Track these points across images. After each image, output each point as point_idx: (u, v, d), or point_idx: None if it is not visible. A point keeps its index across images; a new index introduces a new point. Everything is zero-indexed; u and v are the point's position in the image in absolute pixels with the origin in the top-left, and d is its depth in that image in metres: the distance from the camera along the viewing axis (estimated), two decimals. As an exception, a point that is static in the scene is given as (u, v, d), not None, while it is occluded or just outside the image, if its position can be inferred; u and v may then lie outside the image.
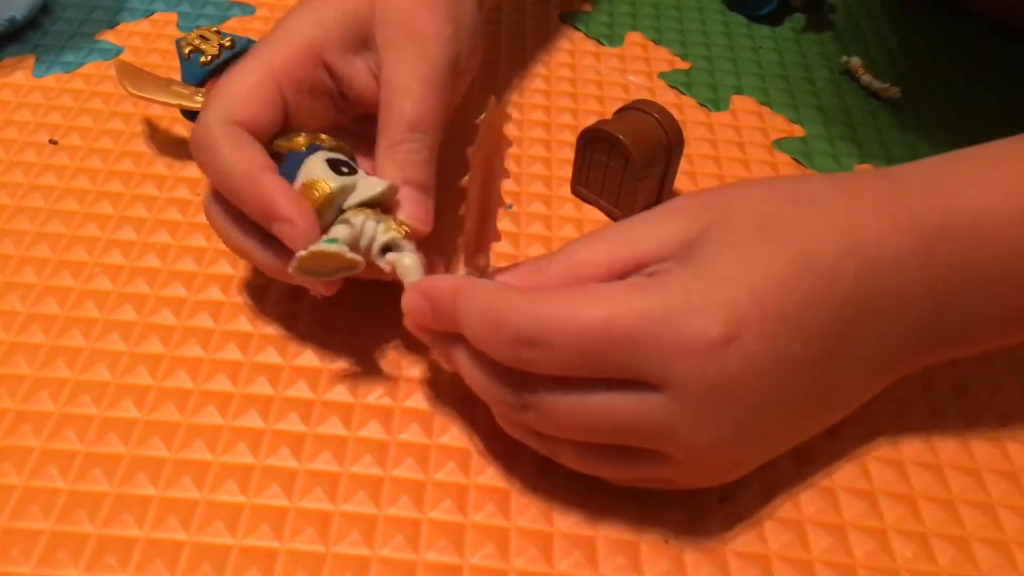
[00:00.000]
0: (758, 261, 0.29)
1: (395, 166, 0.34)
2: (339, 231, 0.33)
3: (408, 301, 0.31)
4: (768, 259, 0.29)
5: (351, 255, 0.32)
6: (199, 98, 0.43)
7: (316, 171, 0.33)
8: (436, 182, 0.36)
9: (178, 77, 0.46)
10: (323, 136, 0.36)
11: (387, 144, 0.35)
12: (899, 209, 0.30)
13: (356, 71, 0.36)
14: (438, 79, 0.35)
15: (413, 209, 0.34)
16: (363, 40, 0.36)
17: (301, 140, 0.35)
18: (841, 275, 0.29)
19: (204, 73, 0.44)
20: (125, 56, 0.51)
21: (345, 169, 0.34)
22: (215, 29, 0.45)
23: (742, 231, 0.29)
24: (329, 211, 0.33)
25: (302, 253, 0.31)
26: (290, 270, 0.32)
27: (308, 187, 0.33)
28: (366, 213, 0.33)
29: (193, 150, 0.34)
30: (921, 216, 0.30)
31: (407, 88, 0.35)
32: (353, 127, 0.38)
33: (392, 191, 0.34)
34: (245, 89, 0.34)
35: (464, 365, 0.31)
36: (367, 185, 0.33)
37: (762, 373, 0.28)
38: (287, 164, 0.34)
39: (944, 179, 0.31)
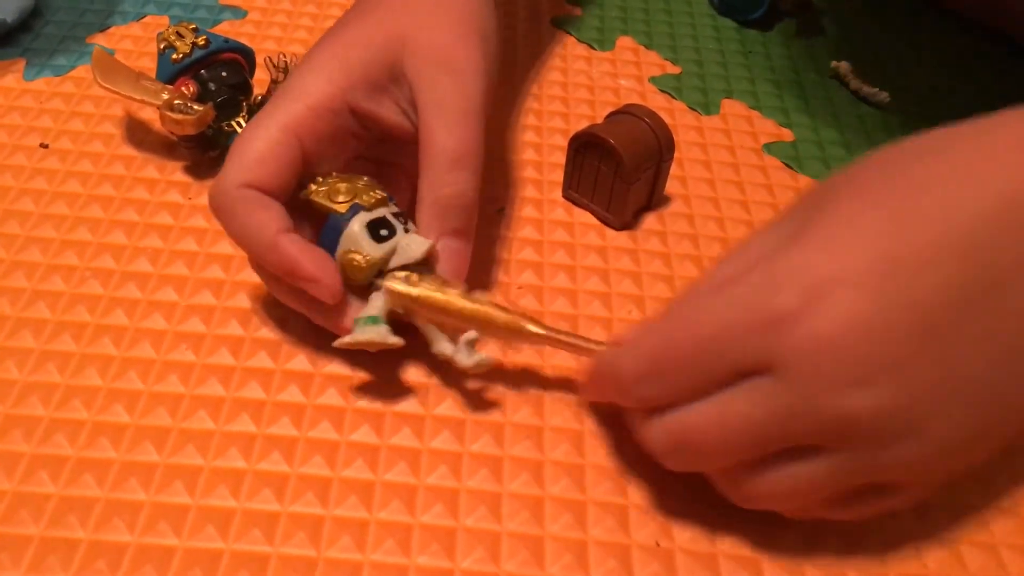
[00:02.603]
0: (848, 226, 0.27)
1: (437, 213, 0.35)
2: (377, 304, 0.34)
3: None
4: (863, 222, 0.27)
5: (392, 340, 0.33)
6: (165, 95, 0.43)
7: (357, 239, 0.34)
8: (476, 219, 0.37)
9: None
10: (361, 184, 0.35)
11: (430, 184, 0.35)
12: None
13: (383, 109, 0.36)
14: (477, 112, 0.35)
15: (450, 263, 0.35)
16: (391, 77, 0.36)
17: (342, 197, 0.34)
18: (960, 224, 0.27)
19: (175, 71, 0.44)
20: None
21: (384, 232, 0.34)
22: (193, 27, 0.45)
23: (837, 205, 0.28)
24: (370, 276, 0.34)
25: (346, 340, 0.33)
26: (335, 345, 0.34)
27: (348, 256, 0.34)
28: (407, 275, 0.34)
29: (212, 211, 0.34)
30: None
31: (447, 124, 0.35)
32: (368, 151, 0.39)
33: (431, 250, 0.35)
34: (261, 150, 0.34)
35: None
36: (407, 250, 0.34)
37: (863, 324, 0.26)
38: (328, 230, 0.35)
39: None
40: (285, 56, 0.45)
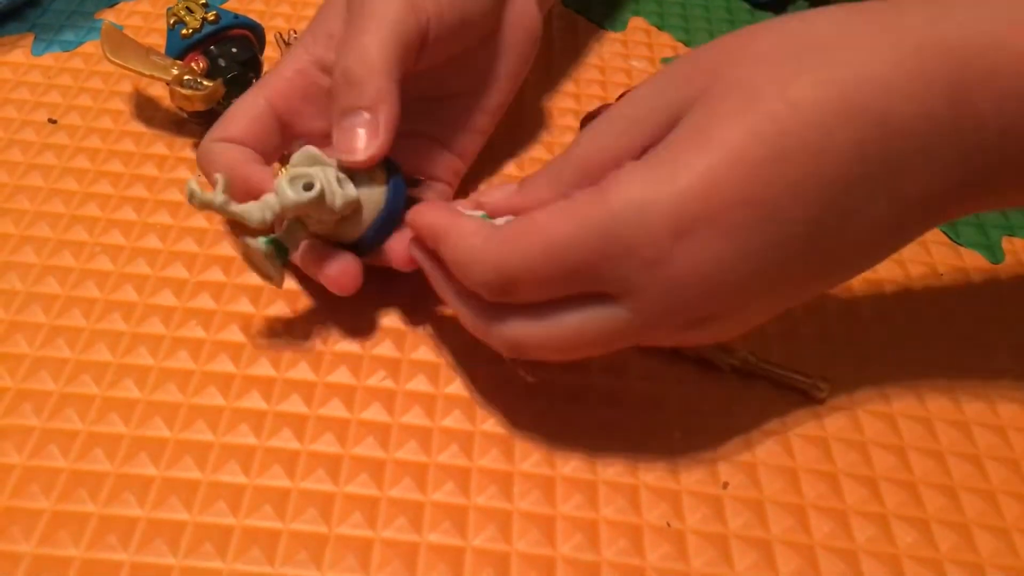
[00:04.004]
0: (727, 144, 0.27)
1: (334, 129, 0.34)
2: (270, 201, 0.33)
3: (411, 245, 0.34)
4: (741, 139, 0.27)
5: (270, 270, 0.34)
6: (175, 71, 0.42)
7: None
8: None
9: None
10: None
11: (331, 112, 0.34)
12: (919, 42, 0.28)
13: None
14: (383, 32, 0.34)
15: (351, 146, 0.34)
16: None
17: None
18: (833, 143, 0.27)
19: (184, 45, 0.43)
20: (124, 35, 0.51)
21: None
22: (203, 2, 0.44)
23: (724, 105, 0.27)
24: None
25: (247, 243, 0.33)
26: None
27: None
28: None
29: (199, 167, 0.38)
30: (949, 48, 0.27)
31: (347, 44, 0.34)
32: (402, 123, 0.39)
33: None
34: (234, 111, 0.38)
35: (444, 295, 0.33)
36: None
37: (723, 266, 0.27)
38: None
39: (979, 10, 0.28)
40: (295, 32, 0.44)
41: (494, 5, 0.39)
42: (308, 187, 0.32)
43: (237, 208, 0.32)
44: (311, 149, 0.34)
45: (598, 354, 0.31)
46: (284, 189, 0.32)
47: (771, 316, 0.31)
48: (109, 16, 0.52)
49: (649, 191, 0.27)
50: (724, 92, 0.28)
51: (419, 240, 0.33)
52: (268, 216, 0.32)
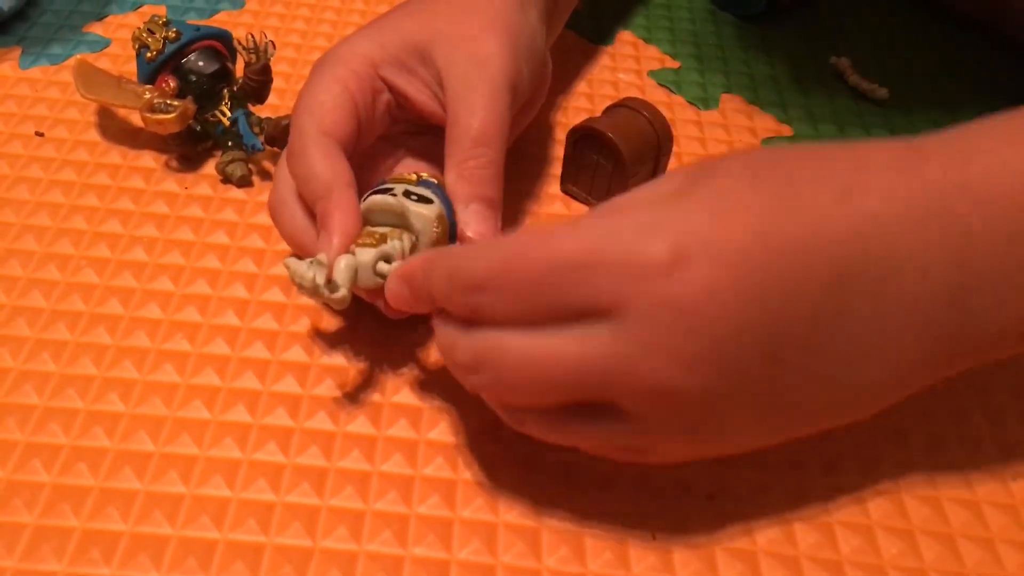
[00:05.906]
0: (734, 196, 0.27)
1: (465, 182, 0.36)
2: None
3: (389, 287, 0.33)
4: (749, 197, 0.27)
5: (301, 281, 0.32)
6: (147, 95, 0.42)
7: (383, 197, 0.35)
8: (503, 194, 0.37)
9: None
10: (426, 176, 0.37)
11: (456, 160, 0.36)
12: (915, 178, 0.28)
13: (411, 86, 0.38)
14: (500, 98, 0.37)
15: (479, 227, 0.35)
16: (420, 59, 0.38)
17: (414, 177, 0.37)
18: (835, 231, 0.27)
19: (152, 69, 0.43)
20: (112, 49, 0.51)
21: (414, 197, 0.35)
22: (164, 20, 0.44)
23: (727, 176, 0.28)
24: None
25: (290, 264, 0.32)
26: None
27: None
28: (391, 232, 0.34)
29: (287, 156, 0.36)
30: (944, 189, 0.28)
31: (471, 106, 0.36)
32: (402, 139, 0.41)
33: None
34: (331, 102, 0.36)
35: (438, 334, 0.31)
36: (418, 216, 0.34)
37: (718, 304, 0.26)
38: None
39: (971, 150, 0.30)
40: (254, 36, 0.43)
41: (546, 72, 0.42)
42: (388, 259, 0.33)
43: (338, 296, 0.32)
44: (391, 203, 0.34)
45: (582, 394, 0.28)
46: (369, 275, 0.33)
47: (732, 432, 0.29)
48: (97, 29, 0.52)
49: (658, 215, 0.27)
50: (727, 167, 0.29)
51: (402, 292, 0.32)
52: (349, 295, 0.33)
